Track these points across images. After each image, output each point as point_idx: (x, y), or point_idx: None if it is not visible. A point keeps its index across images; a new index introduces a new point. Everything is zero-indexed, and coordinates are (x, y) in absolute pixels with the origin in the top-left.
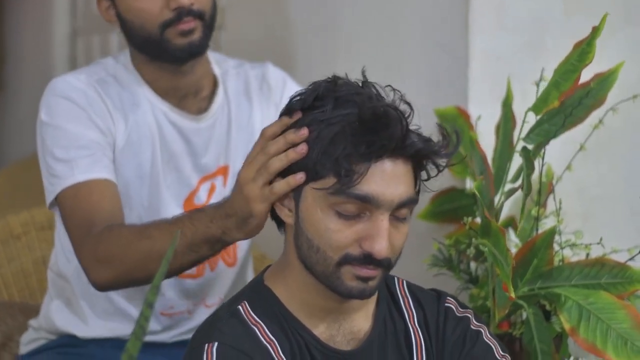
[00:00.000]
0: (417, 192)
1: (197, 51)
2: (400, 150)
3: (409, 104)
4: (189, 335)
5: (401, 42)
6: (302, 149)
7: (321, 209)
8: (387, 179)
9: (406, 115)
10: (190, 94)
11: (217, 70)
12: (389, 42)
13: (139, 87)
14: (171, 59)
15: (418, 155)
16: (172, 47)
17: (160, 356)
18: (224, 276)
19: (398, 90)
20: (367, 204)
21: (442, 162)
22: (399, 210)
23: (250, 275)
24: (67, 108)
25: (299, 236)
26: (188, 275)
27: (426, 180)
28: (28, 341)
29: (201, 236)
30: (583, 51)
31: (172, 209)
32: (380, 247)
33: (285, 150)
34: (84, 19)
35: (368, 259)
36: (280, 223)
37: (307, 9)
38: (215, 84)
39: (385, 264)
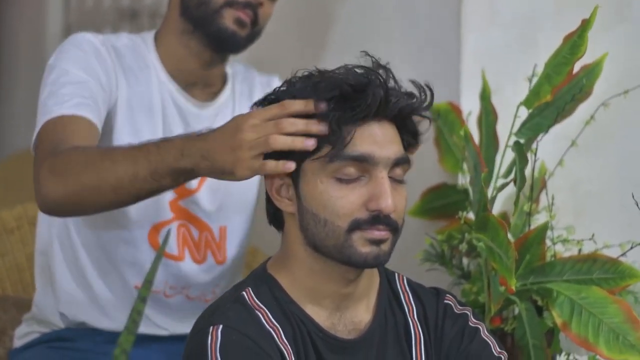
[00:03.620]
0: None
1: (234, 44)
2: (385, 112)
3: (385, 67)
4: (180, 329)
5: (393, 38)
6: (311, 142)
7: (321, 180)
8: (378, 139)
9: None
10: (200, 83)
11: (229, 70)
12: (381, 38)
13: (152, 63)
14: (210, 36)
15: (402, 114)
16: (220, 25)
17: (157, 352)
18: (210, 272)
19: (373, 57)
20: (365, 164)
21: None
22: (395, 170)
23: (239, 277)
24: (76, 55)
25: (303, 217)
26: (170, 256)
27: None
28: (21, 335)
29: (168, 166)
30: (574, 44)
31: None
32: (387, 203)
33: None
34: (78, 15)
35: (377, 219)
36: (279, 225)
37: (297, 4)
38: (224, 83)
39: (393, 225)
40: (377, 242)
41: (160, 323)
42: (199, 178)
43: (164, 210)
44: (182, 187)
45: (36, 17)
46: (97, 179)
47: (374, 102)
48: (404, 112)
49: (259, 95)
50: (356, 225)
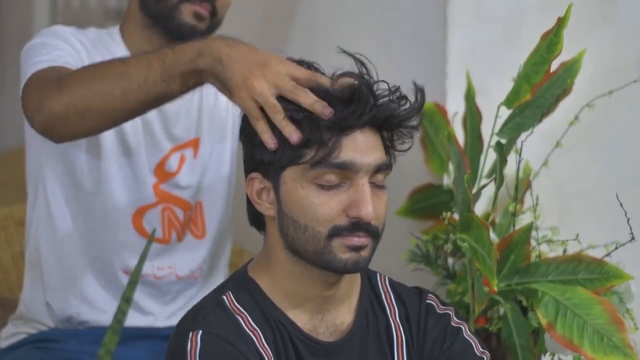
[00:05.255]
0: (390, 160)
1: (195, 38)
2: (372, 122)
3: (365, 64)
4: (165, 317)
5: (378, 36)
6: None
7: (302, 186)
8: (361, 146)
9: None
10: None
11: None
12: (365, 36)
13: (119, 52)
14: (170, 31)
15: (387, 124)
16: (179, 21)
17: (142, 350)
18: (193, 248)
19: (360, 61)
20: (347, 171)
21: (409, 128)
22: (376, 176)
23: (226, 256)
24: (55, 32)
25: (284, 222)
26: (156, 240)
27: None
28: (7, 336)
29: (181, 66)
30: (551, 42)
31: (145, 171)
32: (367, 210)
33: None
34: (65, 15)
35: (357, 226)
36: (260, 226)
37: (282, 1)
38: None
39: (374, 231)
40: (357, 249)
41: (147, 307)
42: (178, 161)
43: (148, 193)
44: (163, 171)
45: (23, 18)
46: (107, 83)
47: (363, 114)
48: (390, 122)
49: None
50: (336, 232)
